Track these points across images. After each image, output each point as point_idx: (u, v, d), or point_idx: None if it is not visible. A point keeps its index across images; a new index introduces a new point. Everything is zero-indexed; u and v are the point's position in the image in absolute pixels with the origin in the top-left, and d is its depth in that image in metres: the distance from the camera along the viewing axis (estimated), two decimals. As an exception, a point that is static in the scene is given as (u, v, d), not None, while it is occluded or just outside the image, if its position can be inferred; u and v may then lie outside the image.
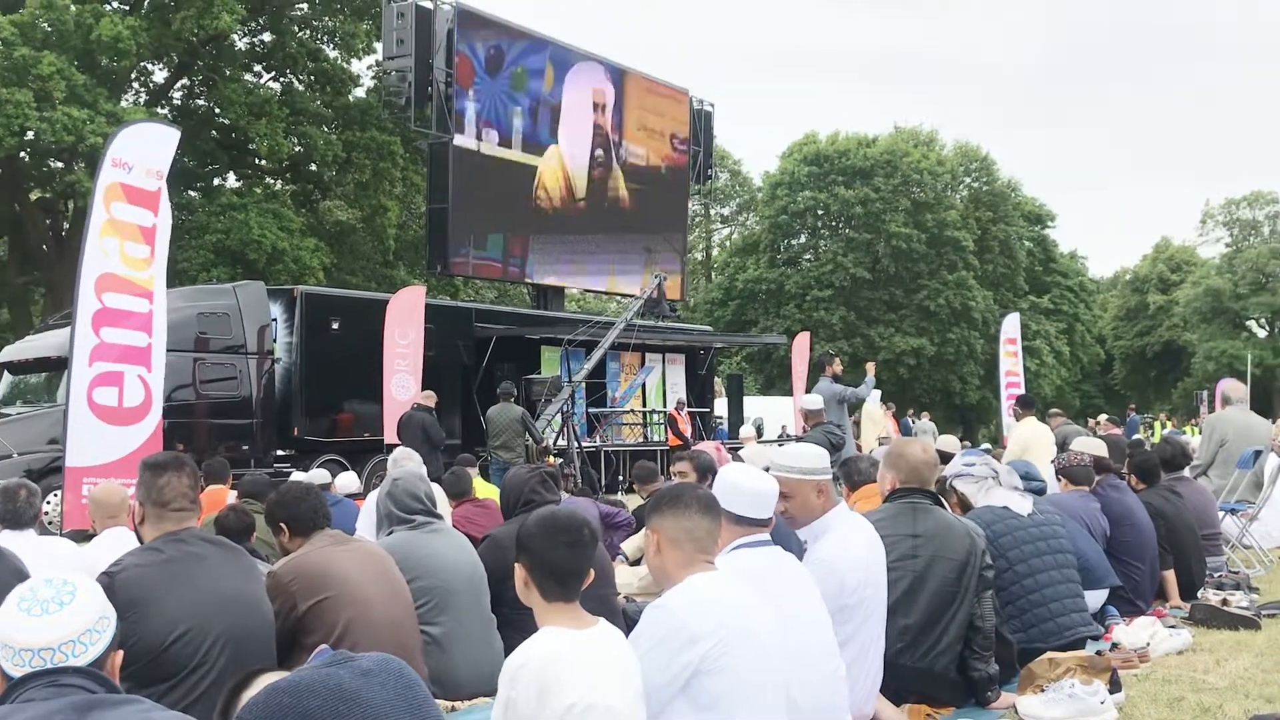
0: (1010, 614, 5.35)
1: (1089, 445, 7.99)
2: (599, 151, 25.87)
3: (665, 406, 22.86)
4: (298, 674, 2.26)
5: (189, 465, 4.12)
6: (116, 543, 5.37)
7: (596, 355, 18.83)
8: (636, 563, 8.01)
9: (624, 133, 26.50)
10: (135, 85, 28.65)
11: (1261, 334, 59.39)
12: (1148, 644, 5.93)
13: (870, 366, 13.01)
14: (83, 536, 7.93)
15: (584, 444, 18.90)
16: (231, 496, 8.09)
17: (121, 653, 2.30)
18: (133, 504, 4.23)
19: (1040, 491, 6.97)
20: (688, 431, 20.73)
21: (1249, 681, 5.35)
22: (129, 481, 7.61)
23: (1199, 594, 7.43)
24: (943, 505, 5.09)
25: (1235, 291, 56.49)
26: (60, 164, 24.91)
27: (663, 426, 22.33)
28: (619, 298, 29.83)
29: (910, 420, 28.07)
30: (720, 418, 27.36)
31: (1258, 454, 9.94)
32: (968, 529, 4.96)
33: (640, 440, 22.57)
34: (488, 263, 24.01)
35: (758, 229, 53.00)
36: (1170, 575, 7.29)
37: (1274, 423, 21.01)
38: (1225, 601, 7.16)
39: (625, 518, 8.60)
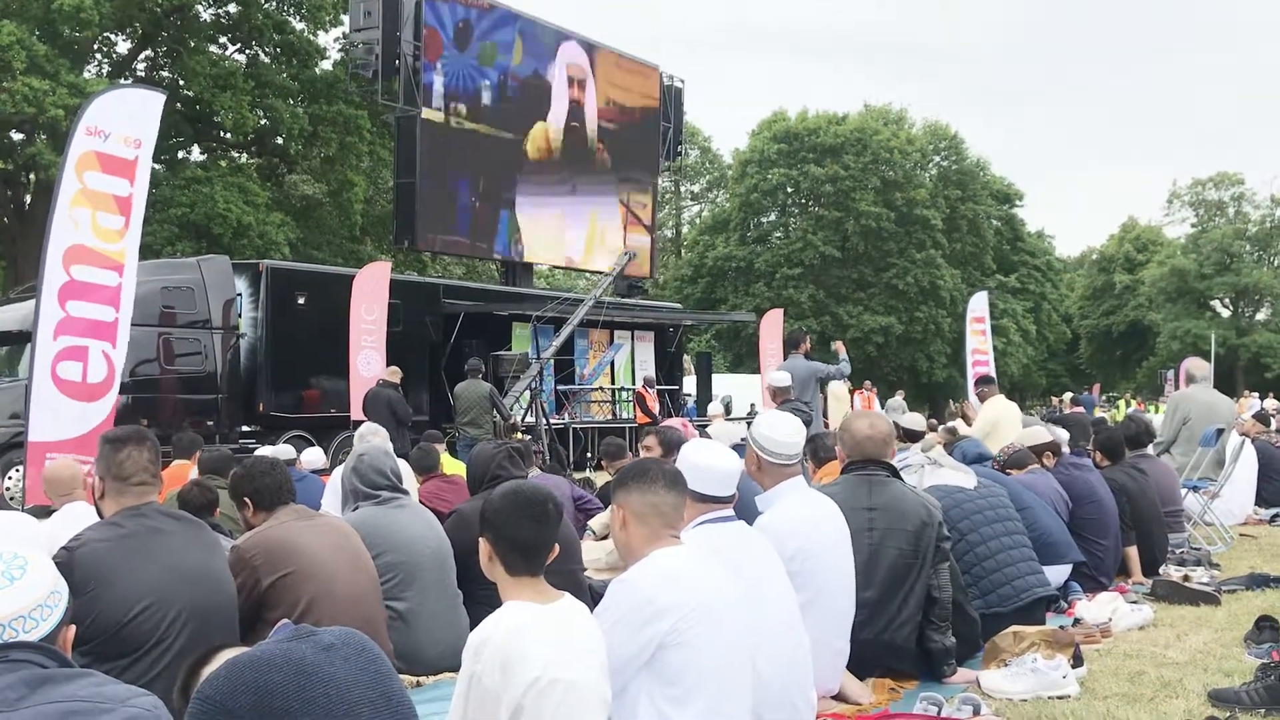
0: (968, 582, 5.43)
1: (1026, 437, 8.03)
2: (573, 124, 25.73)
3: (634, 384, 22.85)
4: (259, 649, 2.24)
5: (150, 439, 4.07)
6: (77, 517, 5.30)
7: (565, 332, 18.79)
8: (604, 538, 8.03)
9: (595, 110, 26.37)
10: (98, 56, 28.26)
11: (1225, 314, 59.98)
12: (1110, 619, 5.99)
13: (840, 345, 12.97)
14: (45, 512, 7.84)
15: (552, 421, 18.87)
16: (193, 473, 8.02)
17: (74, 627, 2.27)
18: (90, 479, 4.17)
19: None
20: (656, 409, 20.73)
21: (1209, 656, 5.41)
22: (85, 458, 7.53)
23: (1161, 570, 7.50)
24: (900, 478, 5.12)
25: (1200, 271, 57.01)
26: (21, 135, 24.56)
27: (631, 404, 22.32)
28: (588, 274, 29.76)
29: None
30: (689, 395, 27.40)
31: (1220, 432, 10.03)
32: (923, 501, 5.00)
33: (609, 417, 22.57)
34: (456, 238, 23.87)
35: (728, 206, 52.97)
36: (1133, 551, 7.37)
37: (1237, 401, 21.27)
38: (1187, 578, 7.24)
39: (594, 503, 8.59)
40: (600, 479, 11.52)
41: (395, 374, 13.83)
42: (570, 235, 26.01)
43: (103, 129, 9.47)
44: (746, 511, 4.07)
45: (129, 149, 9.61)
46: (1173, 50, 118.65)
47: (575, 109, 25.81)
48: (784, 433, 4.42)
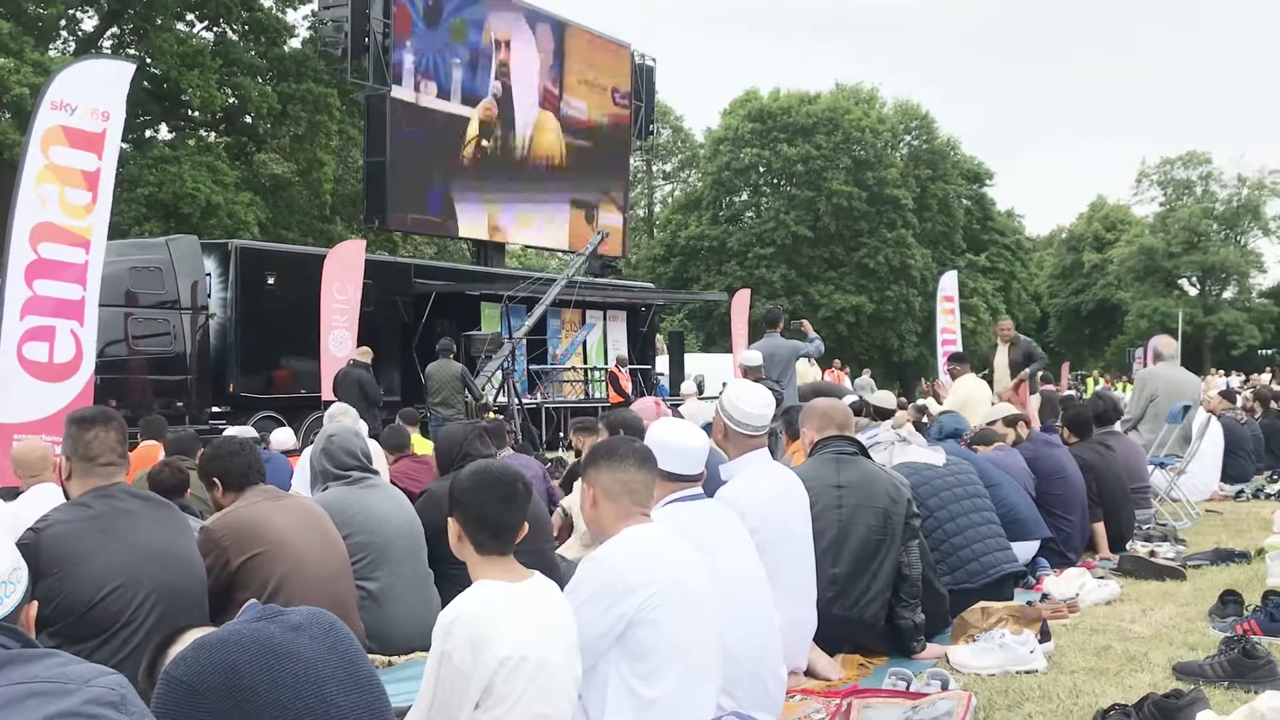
0: (937, 559, 5.48)
1: (998, 412, 8.12)
2: (539, 103, 25.63)
3: (606, 364, 22.84)
4: (226, 629, 2.23)
5: (117, 420, 4.04)
6: (44, 498, 5.25)
7: (538, 312, 18.75)
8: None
9: (564, 86, 26.27)
10: (63, 33, 27.91)
11: (1192, 292, 60.50)
12: (1077, 594, 6.05)
13: (806, 324, 12.93)
14: (13, 494, 7.78)
15: (524, 401, 18.85)
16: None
17: (35, 604, 2.25)
18: (58, 459, 4.14)
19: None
20: (629, 388, 20.72)
21: (1174, 630, 5.48)
22: (54, 438, 7.44)
23: (1127, 546, 7.58)
24: (868, 456, 5.15)
25: (1168, 250, 57.47)
26: (-15, 113, 24.22)
27: (604, 383, 22.31)
28: (560, 254, 29.70)
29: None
30: (661, 375, 27.43)
31: (1186, 409, 10.12)
32: (892, 479, 5.04)
33: (581, 397, 22.56)
34: (426, 217, 23.76)
35: (700, 186, 52.96)
36: (1100, 527, 7.44)
37: (1203, 379, 21.47)
38: (1153, 553, 7.32)
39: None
40: (572, 457, 11.46)
41: (366, 354, 13.78)
42: (543, 212, 25.97)
43: (69, 103, 9.29)
44: (711, 479, 4.08)
45: (96, 122, 9.42)
46: (1142, 29, 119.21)
47: (541, 87, 25.69)
48: (752, 404, 4.43)
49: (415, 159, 22.50)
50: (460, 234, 25.49)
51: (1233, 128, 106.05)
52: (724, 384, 26.76)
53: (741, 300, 23.73)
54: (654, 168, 58.61)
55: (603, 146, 27.64)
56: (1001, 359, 12.60)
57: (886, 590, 4.88)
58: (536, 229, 26.33)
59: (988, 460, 6.70)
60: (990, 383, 12.47)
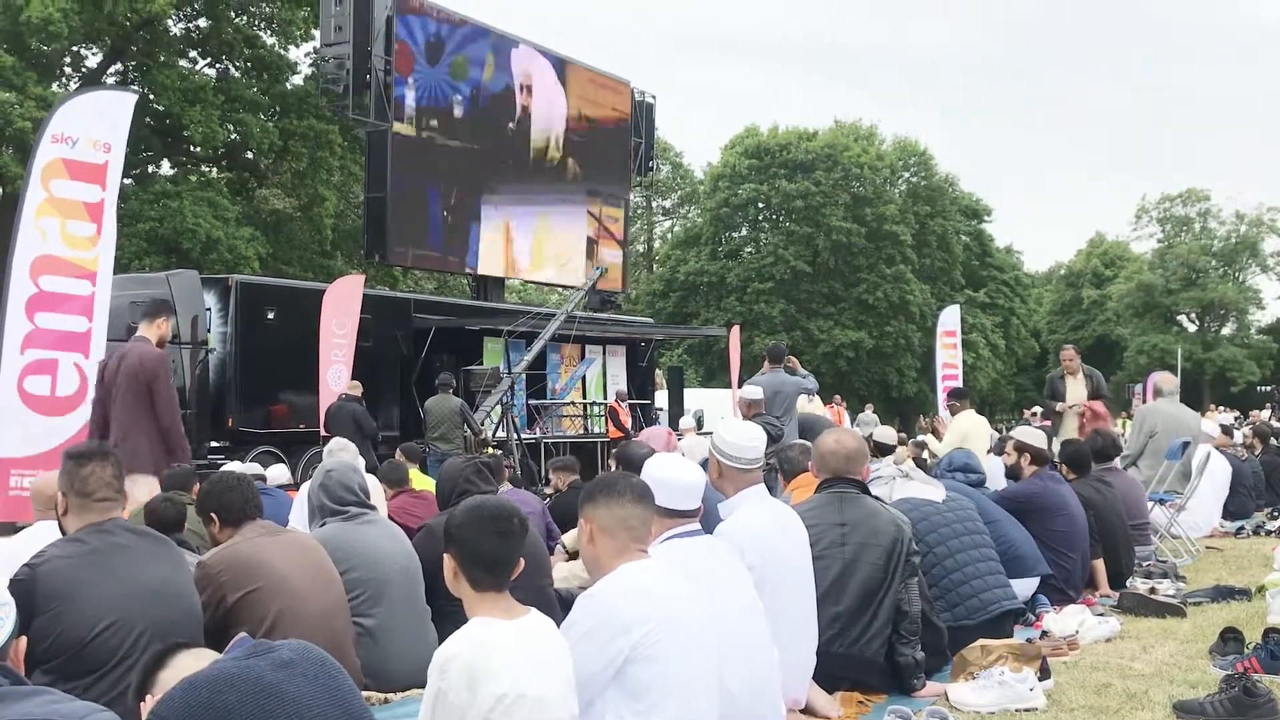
0: (935, 595, 5.46)
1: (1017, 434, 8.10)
2: (546, 137, 25.76)
3: (606, 398, 22.83)
4: (215, 668, 2.21)
5: (113, 455, 4.04)
6: (43, 534, 5.23)
7: (537, 347, 18.73)
8: (575, 555, 7.98)
9: (565, 123, 26.39)
10: (67, 69, 28.11)
11: (1191, 328, 60.63)
12: (1076, 632, 6.01)
13: (794, 360, 12.89)
14: (12, 529, 7.75)
15: (523, 436, 18.82)
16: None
17: (25, 639, 2.24)
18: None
19: (979, 484, 7.06)
20: (628, 423, 20.71)
21: (1174, 668, 5.44)
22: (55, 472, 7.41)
23: (1127, 583, 7.54)
24: (870, 494, 5.14)
25: (1166, 287, 57.67)
26: (-13, 148, 24.35)
27: (603, 418, 22.30)
28: (560, 289, 29.74)
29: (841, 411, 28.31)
30: (661, 410, 27.41)
31: (1186, 445, 10.11)
32: (894, 517, 5.02)
33: (580, 432, 22.52)
34: (427, 253, 23.80)
35: (699, 221, 53.17)
36: (1099, 564, 7.40)
37: (1203, 415, 21.44)
38: (1153, 590, 7.28)
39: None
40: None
41: (356, 388, 13.78)
42: (544, 248, 26.02)
43: (70, 135, 9.30)
44: (710, 519, 4.07)
45: (98, 153, 9.41)
46: (1142, 66, 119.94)
47: (546, 124, 25.82)
48: (741, 438, 4.43)
49: (416, 195, 22.55)
50: (460, 269, 25.52)
51: (1231, 165, 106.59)
52: (722, 419, 26.77)
53: (736, 335, 23.78)
54: (654, 203, 58.83)
55: (602, 183, 27.74)
56: (1075, 393, 11.79)
57: (887, 628, 4.85)
58: (543, 265, 26.36)
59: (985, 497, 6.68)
60: (1060, 417, 11.98)
